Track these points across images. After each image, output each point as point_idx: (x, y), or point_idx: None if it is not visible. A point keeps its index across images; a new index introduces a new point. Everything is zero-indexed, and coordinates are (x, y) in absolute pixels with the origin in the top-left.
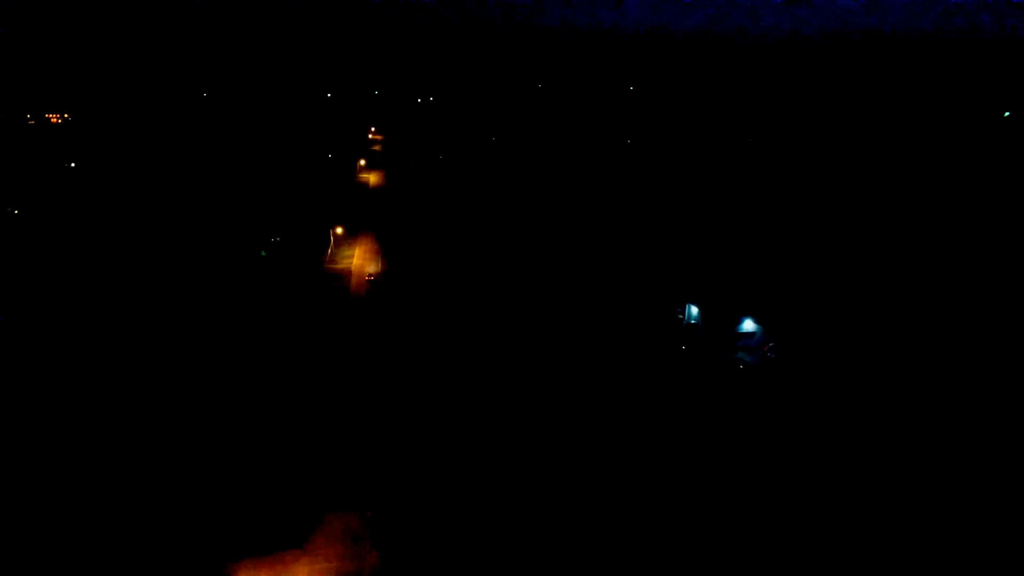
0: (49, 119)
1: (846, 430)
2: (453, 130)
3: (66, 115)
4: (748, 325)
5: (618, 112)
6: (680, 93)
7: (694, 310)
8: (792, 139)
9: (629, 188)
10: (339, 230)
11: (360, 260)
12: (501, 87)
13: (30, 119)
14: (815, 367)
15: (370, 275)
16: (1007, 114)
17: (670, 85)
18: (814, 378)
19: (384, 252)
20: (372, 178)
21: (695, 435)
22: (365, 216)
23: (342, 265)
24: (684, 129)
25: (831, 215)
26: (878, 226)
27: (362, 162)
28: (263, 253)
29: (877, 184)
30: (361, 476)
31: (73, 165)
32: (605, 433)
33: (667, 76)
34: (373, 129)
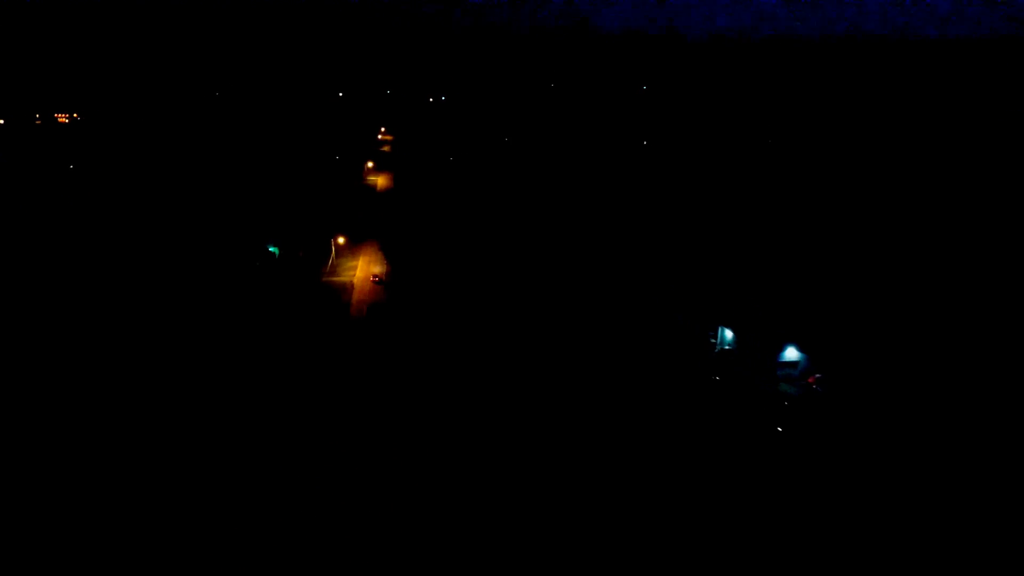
0: (57, 119)
1: (901, 474)
2: (465, 130)
3: (75, 115)
4: (791, 353)
5: (635, 115)
6: (716, 97)
7: (728, 334)
8: (846, 151)
9: (653, 193)
10: (341, 239)
11: (363, 272)
12: (514, 87)
13: (37, 119)
14: (868, 402)
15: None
16: None
17: (690, 88)
18: (866, 415)
19: (390, 263)
20: (380, 180)
21: (730, 477)
22: (371, 222)
23: (343, 277)
24: (718, 136)
25: (888, 231)
26: (942, 245)
27: (370, 164)
28: (257, 264)
29: (939, 200)
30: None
31: (72, 167)
32: (629, 472)
33: (691, 78)
34: (383, 129)
